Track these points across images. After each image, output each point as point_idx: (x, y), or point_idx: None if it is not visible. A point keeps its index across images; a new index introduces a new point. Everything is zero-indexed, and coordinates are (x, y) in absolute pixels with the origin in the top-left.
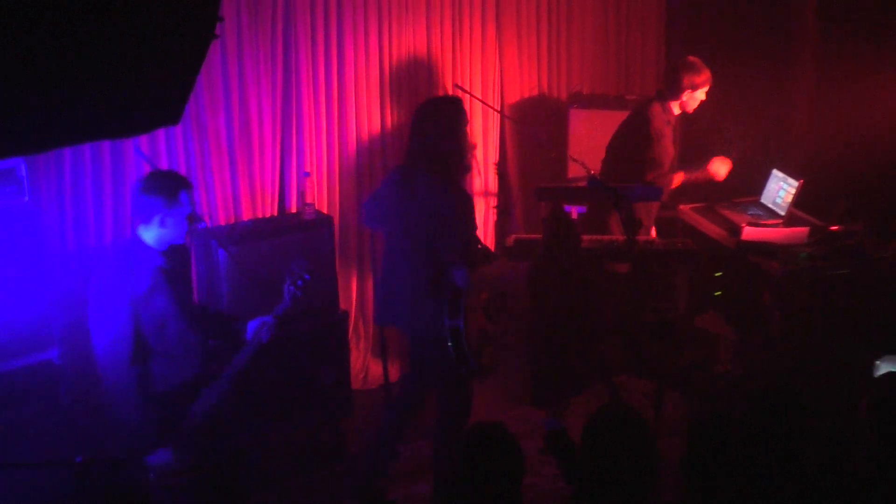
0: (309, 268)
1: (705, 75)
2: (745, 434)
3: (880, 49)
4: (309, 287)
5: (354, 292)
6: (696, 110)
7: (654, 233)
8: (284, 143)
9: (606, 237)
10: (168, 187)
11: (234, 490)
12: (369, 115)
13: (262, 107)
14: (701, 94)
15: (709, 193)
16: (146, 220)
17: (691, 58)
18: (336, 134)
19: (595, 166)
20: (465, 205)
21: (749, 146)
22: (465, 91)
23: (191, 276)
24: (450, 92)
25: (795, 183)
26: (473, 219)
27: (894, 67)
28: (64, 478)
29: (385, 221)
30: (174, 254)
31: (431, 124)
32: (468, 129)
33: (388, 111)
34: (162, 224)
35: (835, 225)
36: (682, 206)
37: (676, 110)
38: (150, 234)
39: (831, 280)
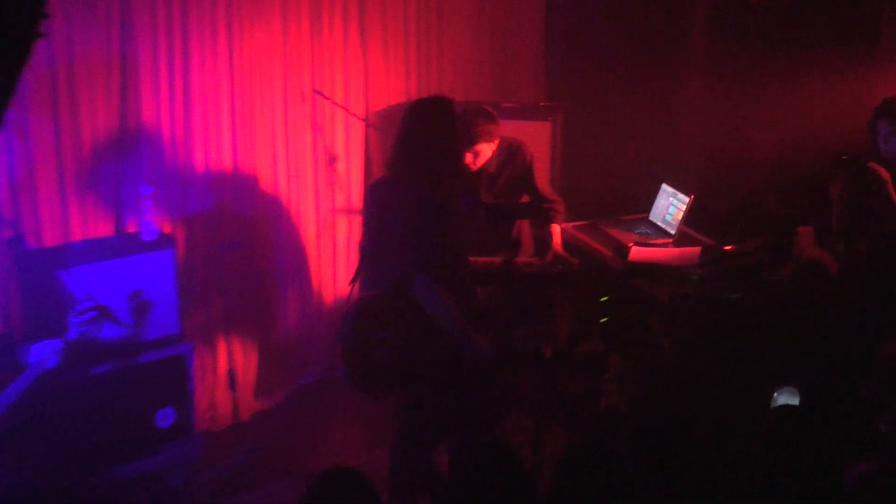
0: (95, 301)
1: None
2: (622, 469)
3: (768, 62)
4: (100, 318)
5: (201, 321)
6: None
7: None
8: (122, 153)
9: (482, 259)
10: None
11: None
12: (218, 122)
13: (95, 113)
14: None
15: (593, 210)
16: None
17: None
18: (182, 144)
19: None
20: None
21: (637, 159)
22: (324, 96)
23: None
24: (308, 96)
25: (686, 199)
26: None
27: (780, 80)
28: None
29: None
30: None
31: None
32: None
33: (239, 118)
34: None
35: (729, 244)
36: (565, 225)
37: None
38: None
39: (724, 304)
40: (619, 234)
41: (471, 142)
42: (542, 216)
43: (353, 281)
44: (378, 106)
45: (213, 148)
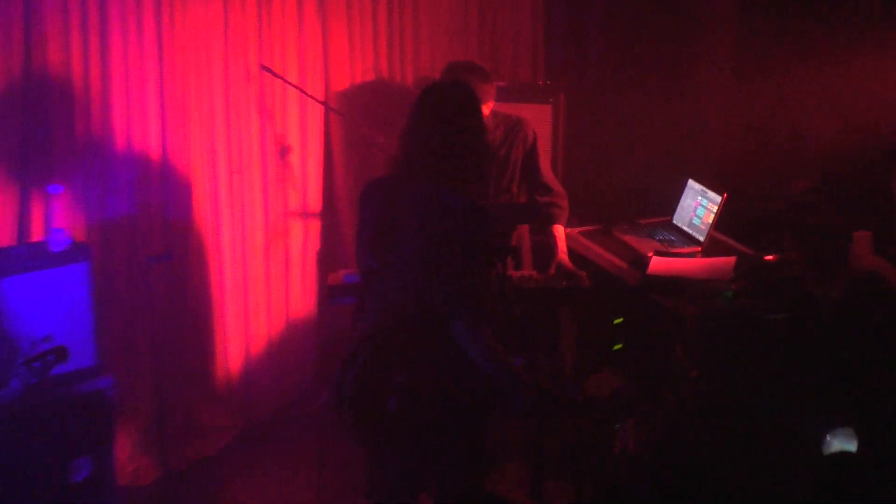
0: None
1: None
2: None
3: (810, 36)
4: (53, 363)
5: (123, 351)
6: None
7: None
8: (26, 150)
9: None
10: None
11: None
12: (143, 107)
13: None
14: None
15: (604, 212)
16: None
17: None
18: (98, 138)
19: None
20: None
21: (657, 149)
22: (275, 74)
23: None
24: (254, 74)
25: (717, 198)
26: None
27: (828, 58)
28: None
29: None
30: None
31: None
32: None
33: (169, 103)
34: None
35: (769, 252)
36: (569, 230)
37: None
38: None
39: (764, 326)
40: (637, 241)
41: None
42: (540, 215)
43: (357, 310)
44: (341, 86)
45: (137, 138)
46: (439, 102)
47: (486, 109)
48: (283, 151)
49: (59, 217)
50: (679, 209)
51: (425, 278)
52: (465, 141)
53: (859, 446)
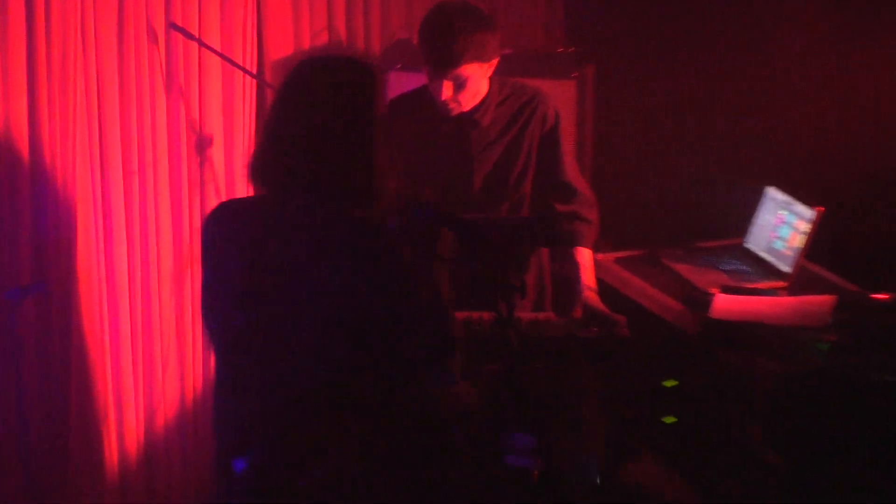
0: None
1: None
2: None
3: None
4: None
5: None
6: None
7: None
8: None
9: (460, 313)
10: None
11: None
12: (10, 86)
13: None
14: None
15: (647, 231)
16: None
17: None
18: None
19: None
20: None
21: (721, 145)
22: (189, 36)
23: None
24: (160, 36)
25: (810, 213)
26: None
27: None
28: None
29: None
30: None
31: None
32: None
33: (39, 85)
34: None
35: (882, 291)
36: (600, 256)
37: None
38: None
39: (875, 392)
40: (695, 272)
41: (447, 61)
42: (558, 233)
43: (220, 396)
44: (281, 52)
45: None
46: (307, 92)
47: (490, 69)
48: (201, 144)
49: None
50: (754, 228)
51: (321, 339)
52: (342, 143)
53: None
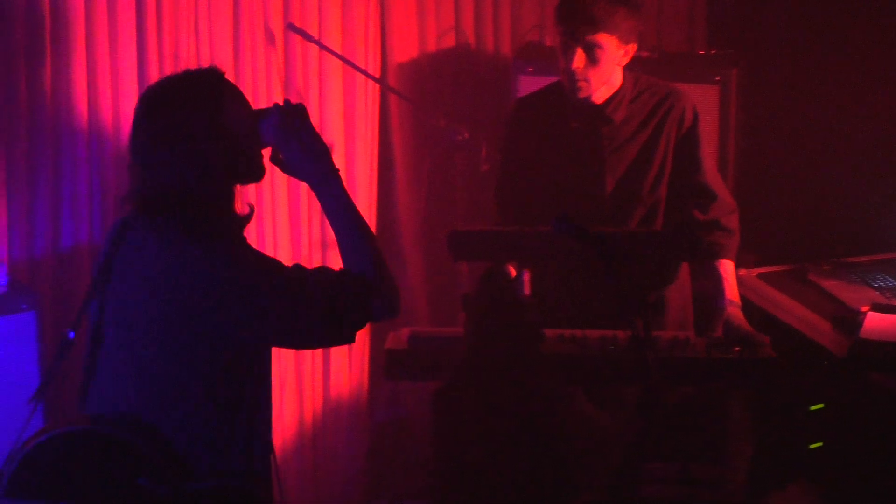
0: None
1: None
2: None
3: None
4: None
5: None
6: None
7: None
8: None
9: (593, 332)
10: None
11: None
12: (121, 89)
13: None
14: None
15: (796, 245)
16: None
17: None
18: (49, 129)
19: None
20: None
21: (880, 150)
22: (308, 38)
23: None
24: (278, 37)
25: None
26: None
27: None
28: None
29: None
30: None
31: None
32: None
33: (153, 76)
34: None
35: None
36: (742, 271)
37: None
38: None
39: None
40: (845, 289)
41: (584, 21)
42: (695, 247)
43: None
44: (405, 55)
45: (105, 127)
46: (144, 117)
47: (625, 56)
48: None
49: None
50: None
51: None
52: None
53: None
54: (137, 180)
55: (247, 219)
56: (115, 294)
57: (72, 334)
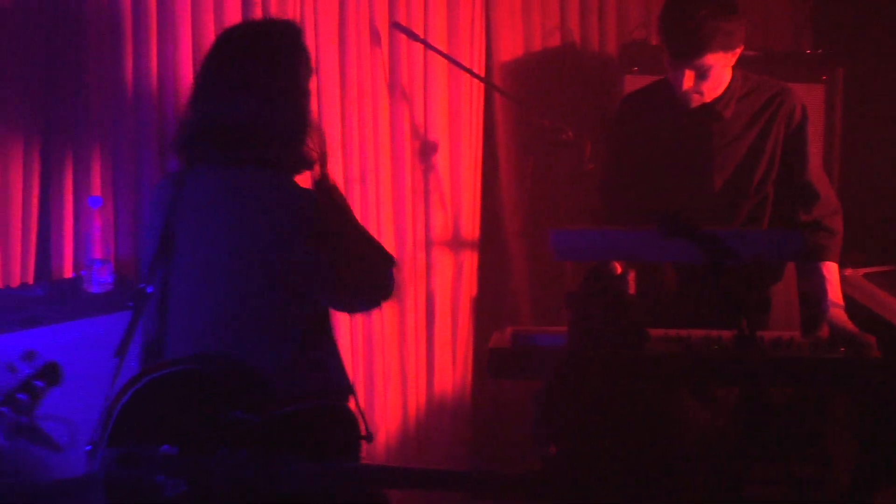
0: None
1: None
2: None
3: None
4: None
5: None
6: None
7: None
8: (51, 145)
9: (697, 331)
10: None
11: None
12: None
13: (4, 83)
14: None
15: None
16: None
17: None
18: (155, 127)
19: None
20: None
21: None
22: (413, 37)
23: None
24: (383, 36)
25: None
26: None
27: None
28: None
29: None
30: None
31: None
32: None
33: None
34: None
35: None
36: (848, 271)
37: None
38: None
39: None
40: None
41: (690, 50)
42: (799, 247)
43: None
44: (510, 54)
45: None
46: (235, 51)
47: (734, 58)
48: (426, 150)
49: (99, 242)
50: None
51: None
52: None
53: None
54: (204, 118)
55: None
56: (183, 244)
57: (150, 288)
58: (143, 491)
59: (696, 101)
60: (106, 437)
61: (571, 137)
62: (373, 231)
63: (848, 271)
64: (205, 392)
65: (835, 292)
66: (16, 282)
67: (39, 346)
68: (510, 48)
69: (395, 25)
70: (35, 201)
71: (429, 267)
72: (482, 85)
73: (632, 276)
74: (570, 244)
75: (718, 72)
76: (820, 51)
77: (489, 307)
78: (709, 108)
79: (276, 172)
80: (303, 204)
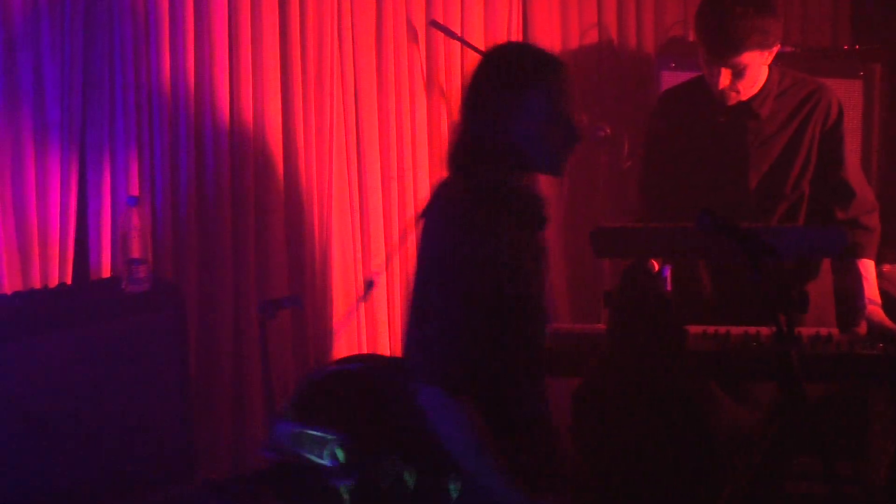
0: None
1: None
2: None
3: None
4: None
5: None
6: None
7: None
8: (88, 143)
9: (736, 328)
10: None
11: None
12: (262, 86)
13: (42, 83)
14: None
15: None
16: None
17: None
18: (192, 126)
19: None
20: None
21: None
22: (451, 34)
23: None
24: (420, 34)
25: None
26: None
27: None
28: None
29: None
30: None
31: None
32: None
33: (294, 74)
34: None
35: None
36: (886, 266)
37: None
38: None
39: None
40: None
41: (726, 48)
42: (840, 243)
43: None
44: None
45: (250, 133)
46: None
47: (770, 56)
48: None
49: (137, 240)
50: None
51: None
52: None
53: None
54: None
55: (537, 206)
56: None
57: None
58: (310, 471)
59: (732, 99)
60: (293, 407)
61: (609, 134)
62: (410, 230)
63: (886, 267)
64: (381, 392)
65: (872, 289)
66: (54, 282)
67: (76, 345)
68: (547, 45)
69: (433, 23)
70: (73, 201)
71: None
72: None
73: (669, 273)
74: (608, 241)
75: (754, 70)
76: (858, 46)
77: None
78: (745, 106)
79: (467, 200)
80: (454, 239)
